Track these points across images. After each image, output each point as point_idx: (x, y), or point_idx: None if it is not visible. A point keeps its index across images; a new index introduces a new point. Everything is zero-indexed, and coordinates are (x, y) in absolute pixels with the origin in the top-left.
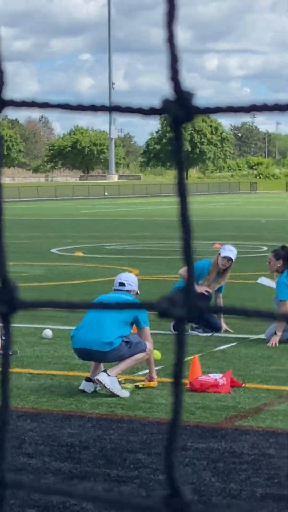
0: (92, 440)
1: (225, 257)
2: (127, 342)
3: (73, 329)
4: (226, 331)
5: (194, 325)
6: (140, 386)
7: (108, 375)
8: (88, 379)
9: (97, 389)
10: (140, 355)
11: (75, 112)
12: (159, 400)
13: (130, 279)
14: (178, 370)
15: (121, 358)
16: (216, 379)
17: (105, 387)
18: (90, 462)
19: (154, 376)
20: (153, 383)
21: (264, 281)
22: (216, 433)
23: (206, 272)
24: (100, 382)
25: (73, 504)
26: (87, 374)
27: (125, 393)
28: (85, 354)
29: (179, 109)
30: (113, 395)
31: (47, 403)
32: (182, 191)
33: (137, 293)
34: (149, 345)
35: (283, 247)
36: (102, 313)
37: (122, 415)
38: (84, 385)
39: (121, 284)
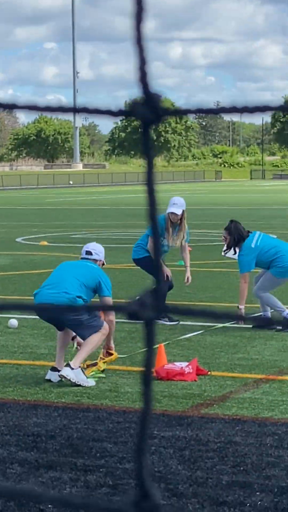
0: (58, 430)
1: (171, 213)
2: (89, 317)
3: (37, 290)
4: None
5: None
6: (103, 367)
7: (72, 369)
8: (54, 369)
9: (63, 379)
10: (97, 337)
11: (43, 112)
12: (125, 389)
13: (97, 248)
14: (147, 373)
15: (79, 324)
16: (182, 368)
17: (71, 381)
18: (57, 452)
19: (112, 346)
20: (114, 356)
21: (230, 254)
22: (182, 421)
23: (164, 228)
24: (65, 377)
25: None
26: (53, 364)
27: (91, 383)
28: (45, 314)
29: (148, 111)
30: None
31: (13, 392)
32: (151, 191)
33: (103, 263)
34: (111, 316)
35: (230, 221)
36: (65, 273)
37: (88, 404)
38: (50, 375)
39: (88, 252)
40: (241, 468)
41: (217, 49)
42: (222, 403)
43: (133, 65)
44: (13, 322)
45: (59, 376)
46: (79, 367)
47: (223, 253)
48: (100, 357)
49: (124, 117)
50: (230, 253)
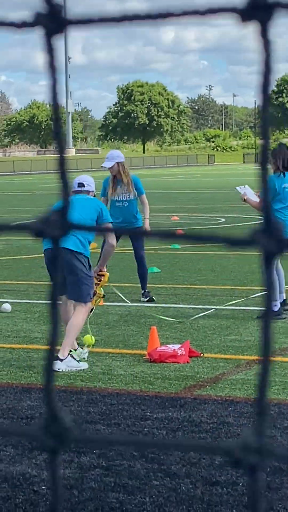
0: None
1: (103, 167)
2: (88, 273)
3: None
4: None
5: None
6: (102, 292)
7: (62, 360)
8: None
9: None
10: (80, 319)
11: None
12: (118, 372)
13: (88, 179)
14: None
15: (77, 278)
16: (174, 350)
17: (65, 371)
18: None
19: (104, 268)
20: (106, 276)
21: (244, 189)
22: (175, 403)
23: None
24: (57, 371)
25: (33, 475)
26: (47, 347)
27: (83, 366)
28: (52, 256)
29: (50, 21)
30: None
31: (6, 376)
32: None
33: (94, 195)
34: (113, 241)
35: (280, 144)
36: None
37: (81, 387)
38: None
39: (81, 184)
40: None
41: (210, 33)
42: (214, 384)
43: (125, 50)
44: (6, 306)
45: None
46: (69, 354)
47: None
48: (95, 283)
49: (116, 102)
50: (248, 191)
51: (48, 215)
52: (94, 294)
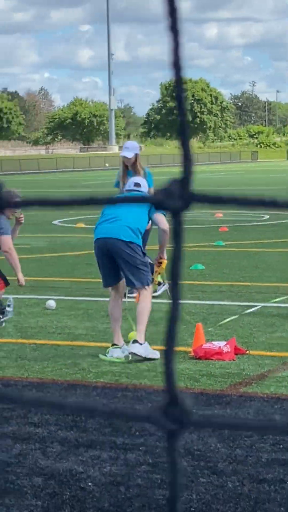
0: None
1: (123, 157)
2: (143, 260)
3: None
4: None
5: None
6: (160, 279)
7: (140, 344)
8: (115, 345)
9: (133, 356)
10: (147, 304)
11: None
12: (163, 369)
13: (143, 181)
14: (176, 261)
15: (131, 265)
16: (220, 347)
17: (141, 357)
18: (96, 431)
19: (164, 255)
20: (164, 263)
21: None
22: (221, 400)
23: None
24: (136, 354)
25: (80, 471)
26: (91, 344)
27: (157, 354)
28: (104, 246)
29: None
30: (115, 364)
31: (51, 373)
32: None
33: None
34: (165, 226)
35: None
36: (120, 210)
37: (127, 384)
38: (112, 352)
39: (137, 184)
40: (281, 446)
41: (254, 28)
42: (260, 381)
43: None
44: (51, 303)
45: (130, 353)
46: (145, 341)
47: None
48: (155, 271)
49: (159, 98)
50: None
51: (168, 186)
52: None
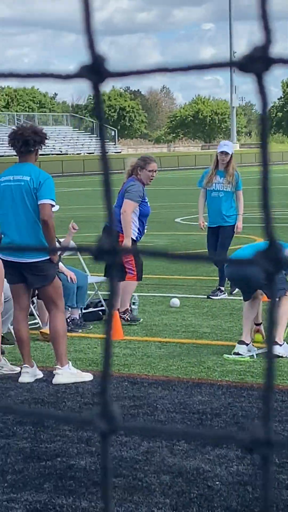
0: (223, 408)
1: (221, 152)
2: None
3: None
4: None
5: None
6: None
7: (280, 345)
8: (241, 342)
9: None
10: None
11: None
12: None
13: None
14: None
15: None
16: None
17: (282, 357)
18: (222, 429)
19: None
20: None
21: None
22: None
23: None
24: (279, 355)
25: (207, 470)
26: (216, 343)
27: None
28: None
29: (92, 73)
30: (240, 363)
31: (177, 371)
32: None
33: None
34: None
35: None
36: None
37: (252, 383)
38: (238, 348)
39: None
40: None
41: None
42: None
43: None
44: (175, 301)
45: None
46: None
47: None
48: None
49: (281, 96)
50: None
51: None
52: None
